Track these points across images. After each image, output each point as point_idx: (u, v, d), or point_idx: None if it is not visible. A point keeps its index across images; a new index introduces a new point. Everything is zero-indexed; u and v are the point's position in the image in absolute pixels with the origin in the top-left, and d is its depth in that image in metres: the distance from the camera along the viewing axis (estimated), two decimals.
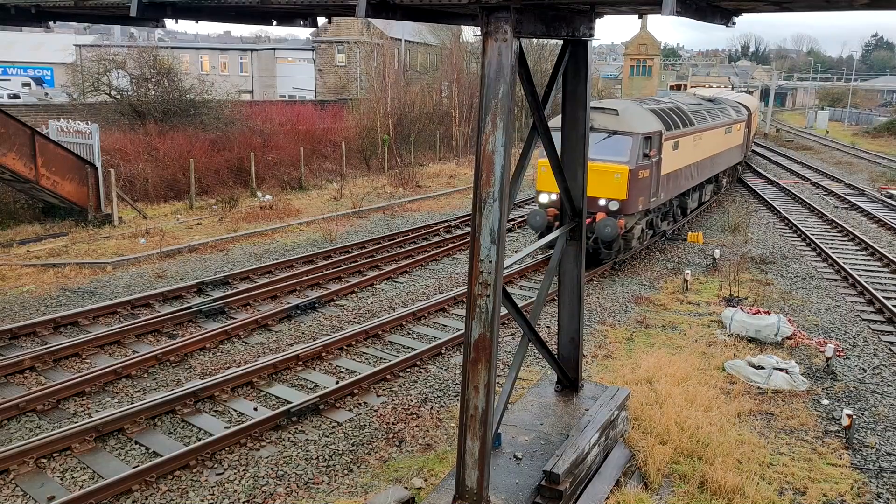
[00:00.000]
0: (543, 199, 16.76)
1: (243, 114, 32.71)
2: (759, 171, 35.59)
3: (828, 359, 11.69)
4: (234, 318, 13.14)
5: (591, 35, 7.66)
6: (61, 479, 8.14)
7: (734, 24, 6.92)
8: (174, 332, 12.49)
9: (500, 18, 6.15)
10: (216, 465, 8.48)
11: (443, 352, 12.01)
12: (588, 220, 15.10)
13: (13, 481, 8.03)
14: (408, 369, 11.31)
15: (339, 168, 30.79)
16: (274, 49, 62.94)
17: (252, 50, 61.99)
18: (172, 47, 52.11)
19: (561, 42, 7.74)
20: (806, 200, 27.12)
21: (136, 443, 8.94)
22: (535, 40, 41.28)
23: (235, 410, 9.83)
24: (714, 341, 12.69)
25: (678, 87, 47.06)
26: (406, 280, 16.20)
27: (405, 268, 16.86)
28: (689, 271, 16.20)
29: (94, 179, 19.74)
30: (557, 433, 8.06)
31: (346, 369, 11.27)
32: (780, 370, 11.08)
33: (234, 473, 8.33)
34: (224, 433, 8.91)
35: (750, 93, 55.18)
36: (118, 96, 31.58)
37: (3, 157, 17.33)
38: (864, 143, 54.99)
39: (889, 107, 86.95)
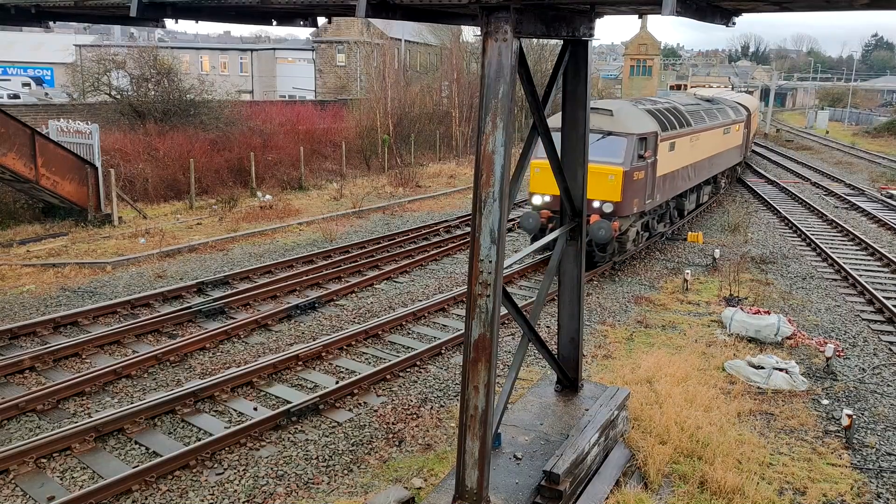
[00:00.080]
0: (537, 200, 16.42)
1: (243, 114, 32.71)
2: (760, 171, 35.59)
3: (828, 359, 11.69)
4: (234, 318, 13.14)
5: (591, 35, 7.66)
6: (61, 479, 8.14)
7: (734, 24, 6.92)
8: (174, 332, 12.49)
9: (500, 18, 6.15)
10: (216, 465, 8.48)
11: (443, 352, 12.01)
12: None
13: (13, 481, 8.03)
14: (408, 369, 11.31)
15: (339, 168, 30.79)
16: (274, 49, 62.94)
17: (252, 50, 61.98)
18: (172, 47, 52.13)
19: (561, 42, 7.74)
20: (806, 200, 27.13)
21: (136, 443, 8.94)
22: (535, 40, 41.28)
23: (235, 410, 9.83)
24: (714, 341, 12.69)
25: (678, 88, 47.11)
26: (406, 280, 16.20)
27: (405, 268, 16.86)
28: (689, 271, 16.20)
29: (94, 179, 19.75)
30: (557, 433, 8.07)
31: (346, 369, 11.27)
32: (780, 370, 11.08)
33: (234, 473, 8.34)
34: (224, 433, 8.91)
35: (750, 93, 55.17)
36: (118, 96, 31.59)
37: (3, 157, 17.34)
38: (864, 143, 55.00)
39: (889, 107, 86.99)
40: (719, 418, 9.53)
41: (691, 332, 13.13)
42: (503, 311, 7.08)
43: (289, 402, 9.86)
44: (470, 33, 43.42)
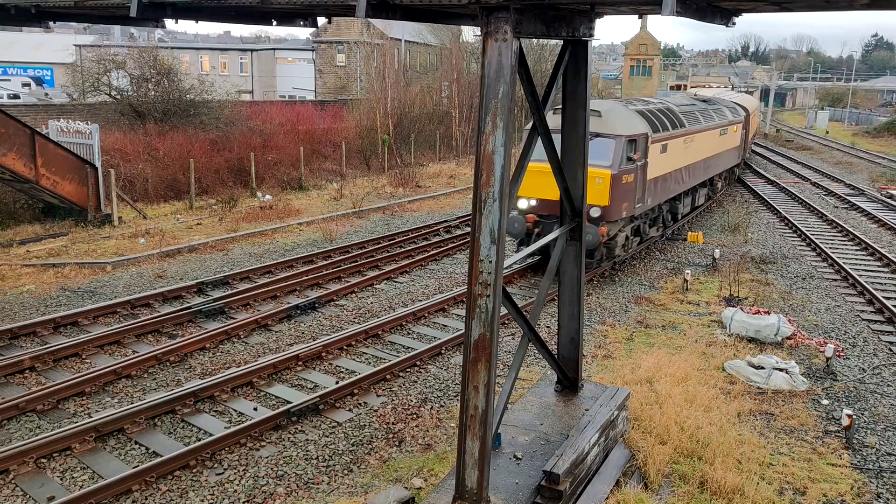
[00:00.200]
0: (522, 204, 15.85)
1: (243, 114, 32.73)
2: (759, 171, 35.59)
3: (828, 359, 11.69)
4: (234, 318, 13.14)
5: (591, 35, 7.66)
6: (61, 479, 8.14)
7: (734, 24, 6.92)
8: (174, 332, 12.49)
9: (500, 18, 6.15)
10: (216, 465, 8.48)
11: (443, 352, 12.01)
12: None
13: (13, 481, 8.03)
14: (408, 369, 11.31)
15: (339, 168, 30.80)
16: (274, 49, 62.95)
17: (252, 50, 61.99)
18: (172, 47, 52.14)
19: (561, 42, 7.74)
20: (806, 200, 27.13)
21: (136, 443, 8.94)
22: (535, 40, 41.27)
23: (235, 410, 9.83)
24: (714, 341, 12.69)
25: (678, 88, 47.13)
26: (406, 280, 16.20)
27: (405, 268, 16.86)
28: (689, 271, 16.19)
29: (94, 179, 19.75)
30: (557, 433, 8.06)
31: (346, 369, 11.27)
32: (780, 370, 11.08)
33: (234, 473, 8.34)
34: (224, 433, 8.91)
35: (750, 93, 55.15)
36: (118, 96, 31.60)
37: (3, 157, 17.34)
38: (864, 143, 55.00)
39: (889, 107, 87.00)
40: (719, 418, 9.53)
41: (691, 332, 13.13)
42: (503, 311, 7.08)
43: (289, 402, 9.86)
44: (470, 33, 43.47)
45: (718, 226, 22.53)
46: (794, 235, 21.79)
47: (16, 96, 43.17)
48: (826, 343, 12.43)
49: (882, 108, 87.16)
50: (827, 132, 64.74)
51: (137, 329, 12.21)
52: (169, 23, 9.82)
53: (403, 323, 13.22)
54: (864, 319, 14.29)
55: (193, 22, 15.42)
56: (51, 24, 11.30)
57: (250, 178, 25.58)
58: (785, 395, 10.69)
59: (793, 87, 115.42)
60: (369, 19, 8.14)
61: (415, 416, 9.88)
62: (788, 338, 12.83)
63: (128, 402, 9.91)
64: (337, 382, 10.60)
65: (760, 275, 16.97)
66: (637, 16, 7.91)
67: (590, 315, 13.91)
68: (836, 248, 19.94)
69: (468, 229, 19.72)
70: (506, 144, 6.29)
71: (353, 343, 12.17)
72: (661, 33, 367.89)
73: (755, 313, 13.28)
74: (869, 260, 18.97)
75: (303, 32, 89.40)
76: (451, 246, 18.86)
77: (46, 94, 50.35)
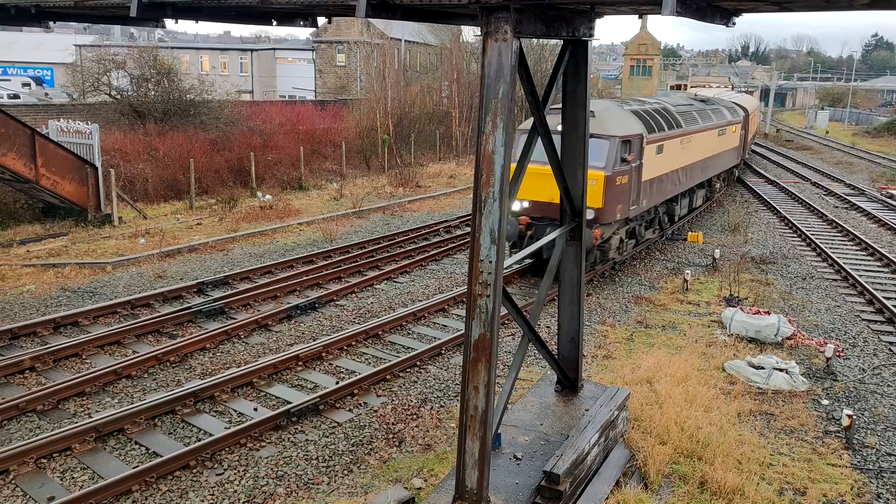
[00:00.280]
0: (515, 206, 15.46)
1: (243, 114, 32.72)
2: (759, 170, 35.59)
3: (828, 359, 11.69)
4: (234, 319, 13.14)
5: (591, 35, 7.66)
6: (61, 480, 8.14)
7: (734, 24, 6.92)
8: (174, 333, 12.49)
9: (500, 18, 6.15)
10: (216, 466, 8.48)
11: (443, 352, 12.01)
12: None
13: (13, 481, 8.03)
14: (408, 369, 11.31)
15: (339, 168, 30.80)
16: (274, 49, 62.95)
17: (252, 50, 61.99)
18: (172, 47, 52.14)
19: (561, 42, 7.74)
20: (806, 200, 27.12)
21: (136, 443, 8.94)
22: (535, 40, 41.27)
23: (235, 411, 9.83)
24: (714, 341, 12.69)
25: (678, 88, 47.05)
26: (406, 280, 16.20)
27: (405, 268, 16.86)
28: (689, 271, 16.19)
29: (94, 179, 19.75)
30: (557, 433, 8.06)
31: (346, 369, 11.27)
32: (780, 370, 11.08)
33: (234, 474, 8.33)
34: (224, 433, 8.91)
35: (750, 93, 55.13)
36: (118, 96, 31.59)
37: (3, 157, 17.34)
38: (864, 143, 55.01)
39: (889, 107, 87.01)
40: (719, 418, 9.53)
41: (691, 333, 13.13)
42: (503, 311, 7.08)
43: (289, 403, 9.85)
44: (470, 33, 43.47)
45: (718, 226, 22.53)
46: (795, 235, 21.79)
47: (16, 96, 43.18)
48: (826, 343, 12.43)
49: (882, 108, 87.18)
50: (827, 132, 64.75)
51: (137, 329, 12.21)
52: (169, 23, 9.83)
53: (403, 323, 13.21)
54: (864, 319, 14.29)
55: (193, 22, 15.42)
56: (51, 24, 11.31)
57: (250, 178, 25.58)
58: (785, 395, 10.69)
59: (793, 87, 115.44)
60: (369, 19, 8.13)
61: (415, 416, 9.88)
62: (788, 338, 12.83)
63: (128, 403, 9.91)
64: (337, 383, 10.60)
65: (760, 275, 16.97)
66: (637, 16, 7.91)
67: (590, 315, 13.91)
68: (836, 248, 19.94)
69: (468, 229, 19.72)
70: (506, 144, 6.29)
71: (354, 343, 12.17)
72: (661, 33, 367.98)
73: (755, 313, 13.28)
74: (869, 260, 18.97)
75: (303, 32, 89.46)
76: (451, 246, 18.85)
77: (46, 94, 50.36)
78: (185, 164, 23.63)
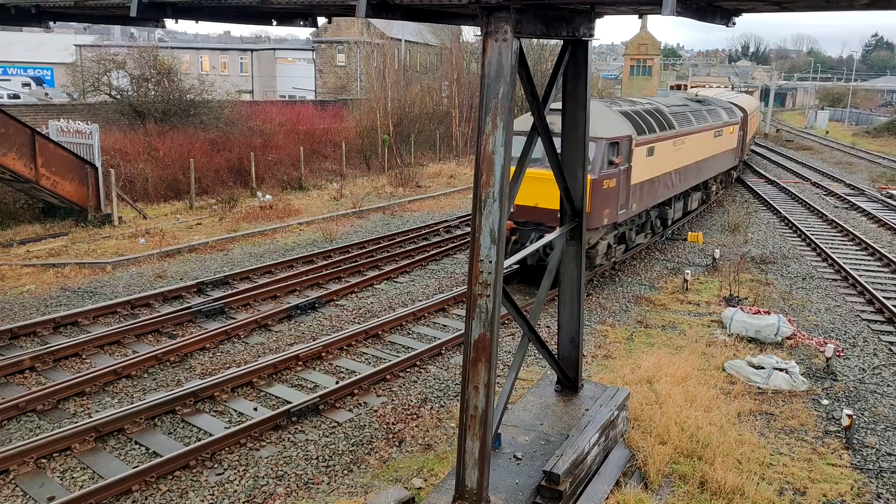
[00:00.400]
0: None
1: (243, 114, 32.71)
2: (759, 171, 35.59)
3: (828, 359, 11.69)
4: (234, 318, 13.14)
5: (591, 35, 7.66)
6: (61, 480, 8.14)
7: (734, 24, 6.92)
8: (174, 332, 12.49)
9: (500, 18, 6.15)
10: (216, 466, 8.48)
11: (443, 352, 12.01)
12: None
13: (13, 481, 8.03)
14: (408, 369, 11.31)
15: (339, 168, 30.79)
16: (274, 49, 62.93)
17: (252, 50, 61.97)
18: (172, 47, 52.14)
19: (561, 42, 7.74)
20: (806, 200, 27.12)
21: (136, 443, 8.94)
22: (535, 40, 41.27)
23: (235, 410, 9.83)
24: (714, 341, 12.69)
25: (678, 88, 47.04)
26: (406, 280, 16.20)
27: (405, 268, 16.86)
28: (689, 271, 16.19)
29: (94, 179, 19.75)
30: (557, 433, 8.07)
31: (346, 369, 11.27)
32: (780, 370, 11.09)
33: (234, 473, 8.34)
34: (224, 433, 8.92)
35: (750, 93, 55.09)
36: (118, 96, 31.58)
37: (3, 157, 17.34)
38: (864, 143, 55.01)
39: (889, 107, 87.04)
40: (719, 418, 9.53)
41: (691, 332, 13.13)
42: (503, 311, 7.08)
43: (289, 403, 9.86)
44: (470, 33, 43.47)
45: (718, 226, 22.53)
46: (794, 235, 21.79)
47: (16, 96, 43.18)
48: (826, 343, 12.43)
49: (882, 108, 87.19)
50: (827, 132, 64.74)
51: (137, 329, 12.21)
52: (169, 23, 9.84)
53: (403, 323, 13.22)
54: (864, 319, 14.29)
55: (193, 22, 15.42)
56: (51, 24, 11.31)
57: (250, 178, 25.58)
58: (785, 395, 10.69)
59: (793, 87, 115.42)
60: (369, 19, 8.13)
61: (415, 416, 9.88)
62: (788, 338, 12.83)
63: (128, 402, 9.92)
64: (337, 382, 10.60)
65: (760, 275, 16.97)
66: (637, 16, 7.91)
67: (590, 315, 13.91)
68: (836, 248, 19.94)
69: (468, 229, 19.72)
70: (506, 144, 6.29)
71: (353, 343, 12.17)
72: (661, 33, 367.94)
73: (755, 313, 13.29)
74: (869, 260, 18.97)
75: (303, 32, 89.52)
76: (451, 246, 18.85)
77: (46, 94, 50.35)
78: (185, 164, 23.63)
